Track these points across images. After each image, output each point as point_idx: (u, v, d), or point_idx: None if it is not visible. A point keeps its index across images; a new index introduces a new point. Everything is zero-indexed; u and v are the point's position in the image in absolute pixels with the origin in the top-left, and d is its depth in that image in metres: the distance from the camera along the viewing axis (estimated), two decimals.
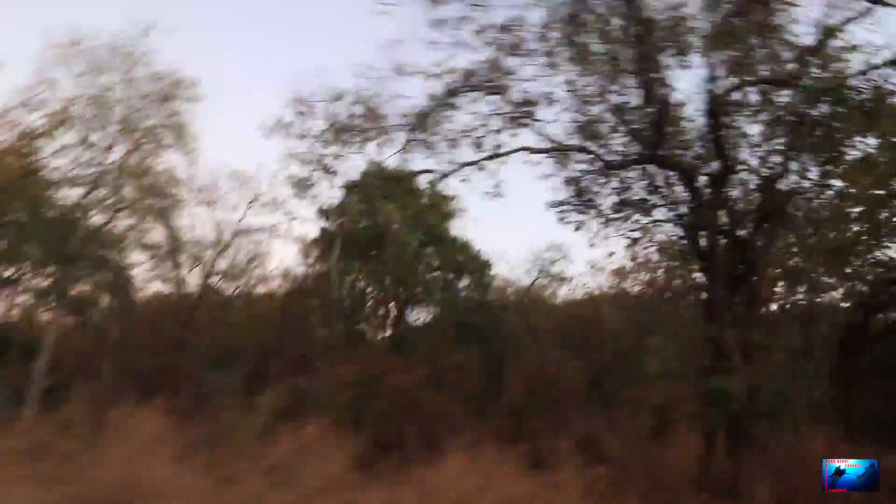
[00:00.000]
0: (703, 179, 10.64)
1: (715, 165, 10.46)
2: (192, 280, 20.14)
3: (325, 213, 20.66)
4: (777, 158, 10.64)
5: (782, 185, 10.63)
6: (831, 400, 13.54)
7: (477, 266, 21.32)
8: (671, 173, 10.61)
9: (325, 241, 20.42)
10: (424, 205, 21.54)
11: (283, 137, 13.30)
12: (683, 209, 10.87)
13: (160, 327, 18.78)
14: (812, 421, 11.22)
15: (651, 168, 10.60)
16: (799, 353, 10.49)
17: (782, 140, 10.55)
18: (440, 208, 21.52)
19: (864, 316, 14.34)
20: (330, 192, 17.06)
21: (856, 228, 14.73)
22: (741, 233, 10.79)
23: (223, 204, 20.14)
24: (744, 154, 10.66)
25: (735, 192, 10.79)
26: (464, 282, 21.43)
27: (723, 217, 10.73)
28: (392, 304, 20.23)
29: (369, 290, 20.33)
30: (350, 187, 21.18)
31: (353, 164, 13.78)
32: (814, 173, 10.70)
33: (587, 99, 10.25)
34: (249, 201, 20.58)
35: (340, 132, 12.66)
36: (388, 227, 19.38)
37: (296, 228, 25.09)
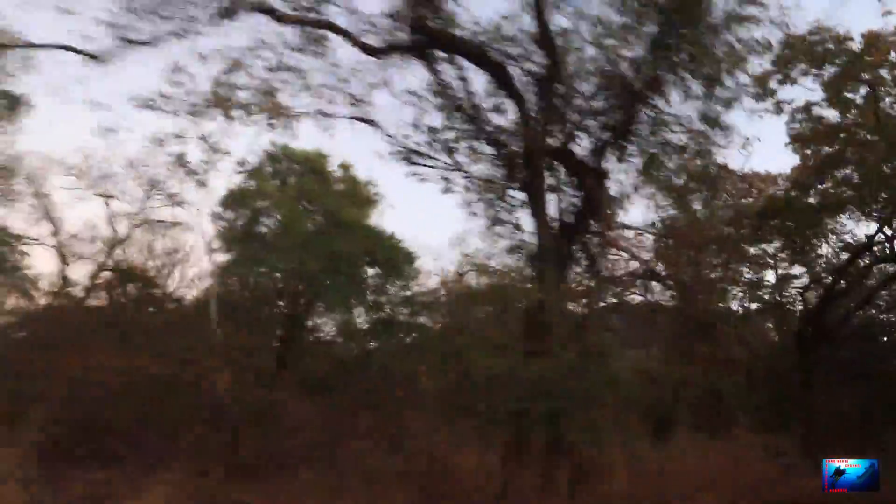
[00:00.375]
0: (524, 80, 7.57)
1: (539, 58, 7.41)
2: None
3: (223, 200, 18.29)
4: (635, 52, 7.52)
5: (640, 90, 7.46)
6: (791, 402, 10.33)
7: (399, 259, 18.51)
8: (473, 69, 7.52)
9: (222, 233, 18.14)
10: (336, 190, 19.14)
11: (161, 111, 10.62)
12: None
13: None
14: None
15: (442, 63, 7.53)
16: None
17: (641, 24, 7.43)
18: (354, 193, 18.96)
19: (819, 304, 10.83)
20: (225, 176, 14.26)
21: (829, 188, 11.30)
22: (581, 156, 7.61)
23: (112, 191, 17.97)
24: (588, 46, 7.59)
25: (573, 100, 7.63)
26: (383, 278, 18.66)
27: (554, 134, 7.61)
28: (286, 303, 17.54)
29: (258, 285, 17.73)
30: (245, 169, 19.03)
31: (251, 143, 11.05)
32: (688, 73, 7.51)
33: None
34: (145, 189, 18.43)
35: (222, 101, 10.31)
36: (281, 212, 16.93)
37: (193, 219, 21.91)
